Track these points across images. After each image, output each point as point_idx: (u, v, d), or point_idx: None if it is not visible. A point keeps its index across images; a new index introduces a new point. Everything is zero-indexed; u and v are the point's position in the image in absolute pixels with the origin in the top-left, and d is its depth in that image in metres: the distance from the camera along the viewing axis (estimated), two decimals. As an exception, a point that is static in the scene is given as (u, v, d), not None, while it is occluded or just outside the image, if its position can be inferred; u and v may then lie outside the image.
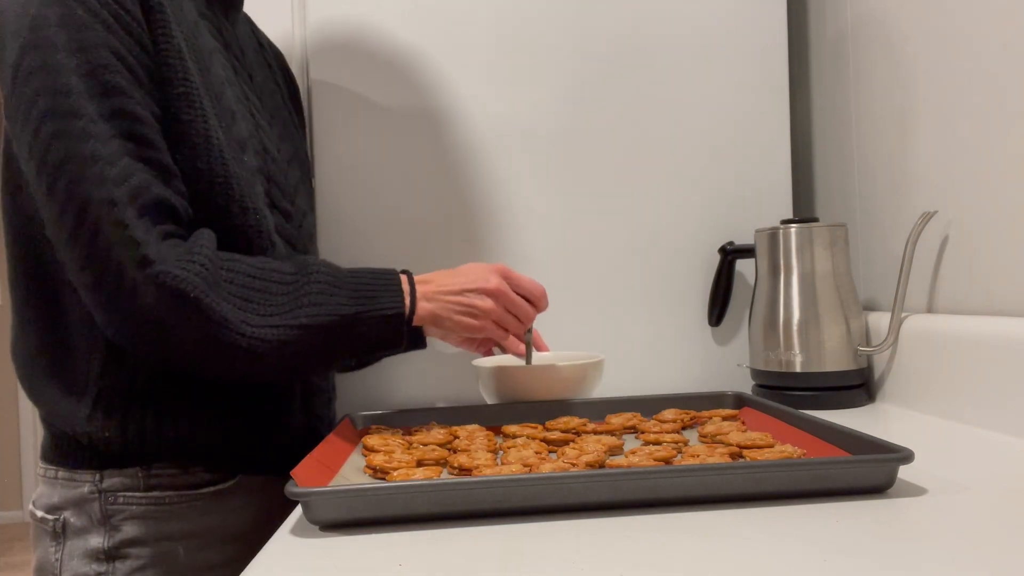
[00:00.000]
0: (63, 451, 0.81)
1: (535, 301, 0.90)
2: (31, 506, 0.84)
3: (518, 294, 0.89)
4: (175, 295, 0.70)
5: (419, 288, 0.84)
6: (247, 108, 0.87)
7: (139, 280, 0.69)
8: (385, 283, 0.81)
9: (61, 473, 0.81)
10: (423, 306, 0.83)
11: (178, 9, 0.80)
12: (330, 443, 0.80)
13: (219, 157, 0.78)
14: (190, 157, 0.77)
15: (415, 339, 0.99)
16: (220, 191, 0.79)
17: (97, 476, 0.79)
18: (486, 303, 0.86)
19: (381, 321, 0.79)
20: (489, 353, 1.10)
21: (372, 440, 0.83)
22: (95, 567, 0.79)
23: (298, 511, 0.66)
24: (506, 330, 0.90)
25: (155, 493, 0.80)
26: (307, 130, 1.18)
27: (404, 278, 0.84)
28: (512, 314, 0.88)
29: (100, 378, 0.79)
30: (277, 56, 1.07)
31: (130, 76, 0.73)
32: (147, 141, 0.73)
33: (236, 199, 0.80)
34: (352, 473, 0.75)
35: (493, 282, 0.86)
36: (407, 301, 0.82)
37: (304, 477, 0.65)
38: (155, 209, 0.72)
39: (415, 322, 0.83)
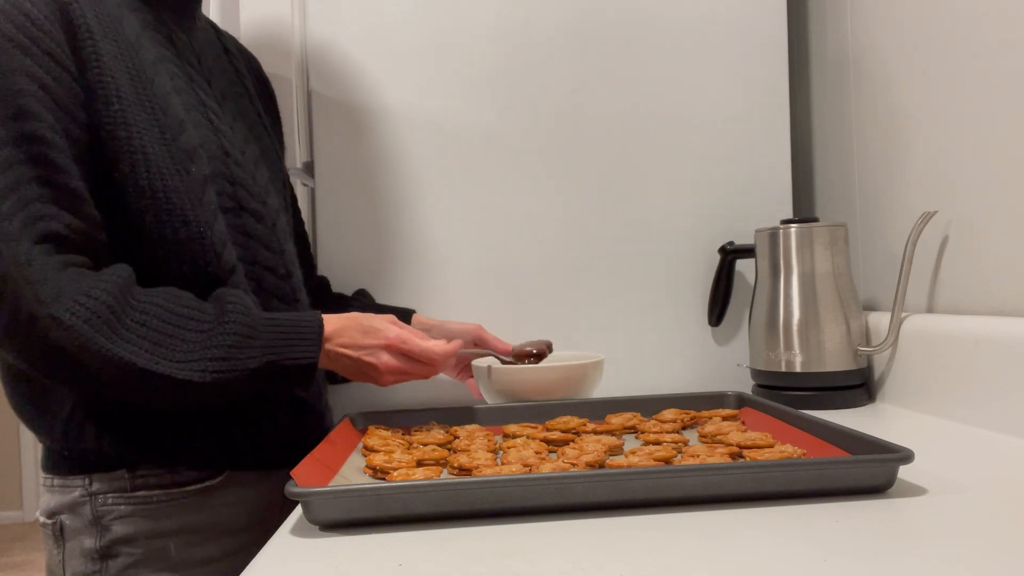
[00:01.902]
0: (55, 461, 0.83)
1: (432, 365, 0.91)
2: (37, 513, 0.87)
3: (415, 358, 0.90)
4: (62, 339, 0.70)
5: (324, 345, 0.85)
6: (202, 114, 0.87)
7: (35, 316, 0.69)
8: (302, 332, 0.82)
9: (56, 481, 0.83)
10: (322, 361, 0.85)
11: (115, 24, 0.80)
12: (330, 443, 0.80)
13: (157, 172, 0.78)
14: (130, 175, 0.77)
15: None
16: (161, 206, 0.79)
17: (86, 480, 0.82)
18: (379, 375, 0.88)
19: (293, 370, 0.81)
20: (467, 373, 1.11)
21: (372, 440, 0.83)
22: (90, 566, 0.82)
23: (298, 511, 0.66)
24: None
25: (141, 493, 0.82)
26: (308, 133, 1.18)
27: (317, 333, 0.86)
28: (408, 376, 0.90)
29: (72, 394, 0.80)
30: (248, 60, 1.07)
31: (47, 99, 0.73)
32: (55, 166, 0.72)
33: (177, 213, 0.80)
34: (352, 473, 0.75)
35: (383, 360, 0.87)
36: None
37: (304, 477, 0.65)
38: (53, 239, 0.72)
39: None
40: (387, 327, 0.88)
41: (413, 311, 1.14)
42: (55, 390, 0.81)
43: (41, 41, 0.73)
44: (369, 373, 0.87)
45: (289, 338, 0.81)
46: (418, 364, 0.89)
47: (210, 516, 0.85)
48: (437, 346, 0.90)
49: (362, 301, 1.14)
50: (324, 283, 1.15)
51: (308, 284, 1.09)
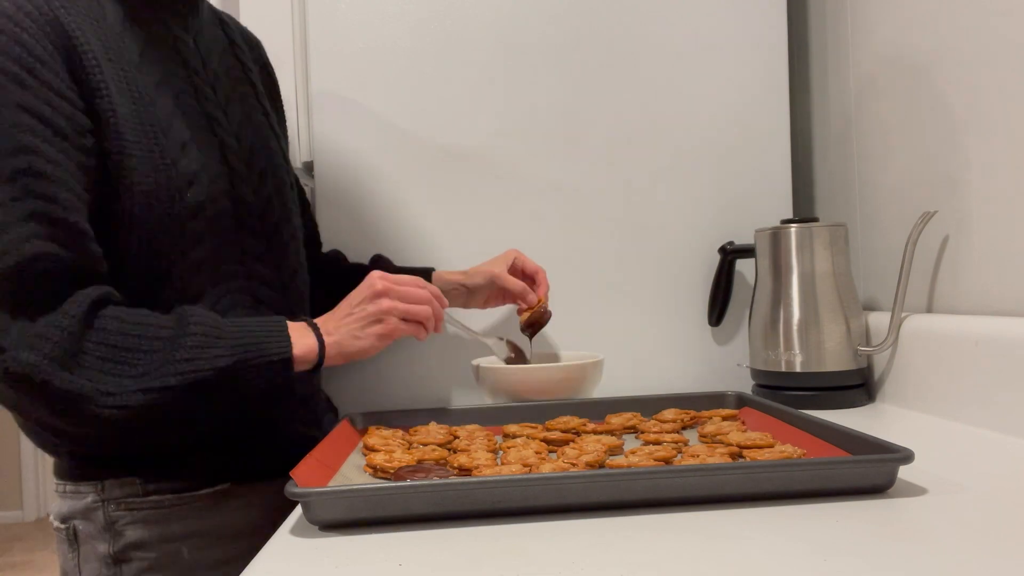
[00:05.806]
0: (66, 467, 0.84)
1: (431, 300, 0.89)
2: (51, 516, 0.87)
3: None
4: (20, 380, 0.69)
5: (320, 326, 0.84)
6: (208, 130, 0.87)
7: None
8: (270, 330, 0.80)
9: (69, 487, 0.84)
10: (329, 340, 0.83)
11: (118, 45, 0.79)
12: (330, 443, 0.80)
13: (143, 198, 0.78)
14: (121, 199, 0.77)
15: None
16: (143, 232, 0.79)
17: (99, 486, 0.82)
18: (382, 304, 0.85)
19: (267, 367, 0.78)
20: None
21: (372, 440, 0.83)
22: (105, 571, 0.82)
23: (298, 511, 0.66)
24: (420, 323, 0.88)
25: (154, 497, 0.82)
26: (308, 133, 1.18)
27: (302, 324, 0.84)
28: (411, 302, 0.87)
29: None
30: (252, 47, 1.05)
31: (45, 131, 0.72)
32: (52, 199, 0.71)
33: (155, 243, 0.80)
34: (352, 473, 0.75)
35: (377, 285, 0.86)
36: (301, 342, 0.81)
37: (304, 477, 0.65)
38: (43, 277, 0.71)
39: (327, 361, 0.83)
40: (370, 279, 0.87)
41: (432, 269, 1.12)
42: None
43: (37, 71, 0.72)
44: (372, 311, 0.85)
45: (258, 336, 0.79)
46: (413, 292, 0.87)
47: (222, 519, 0.85)
48: (417, 281, 0.88)
49: (380, 265, 1.13)
50: (335, 256, 1.14)
51: (316, 262, 1.08)
